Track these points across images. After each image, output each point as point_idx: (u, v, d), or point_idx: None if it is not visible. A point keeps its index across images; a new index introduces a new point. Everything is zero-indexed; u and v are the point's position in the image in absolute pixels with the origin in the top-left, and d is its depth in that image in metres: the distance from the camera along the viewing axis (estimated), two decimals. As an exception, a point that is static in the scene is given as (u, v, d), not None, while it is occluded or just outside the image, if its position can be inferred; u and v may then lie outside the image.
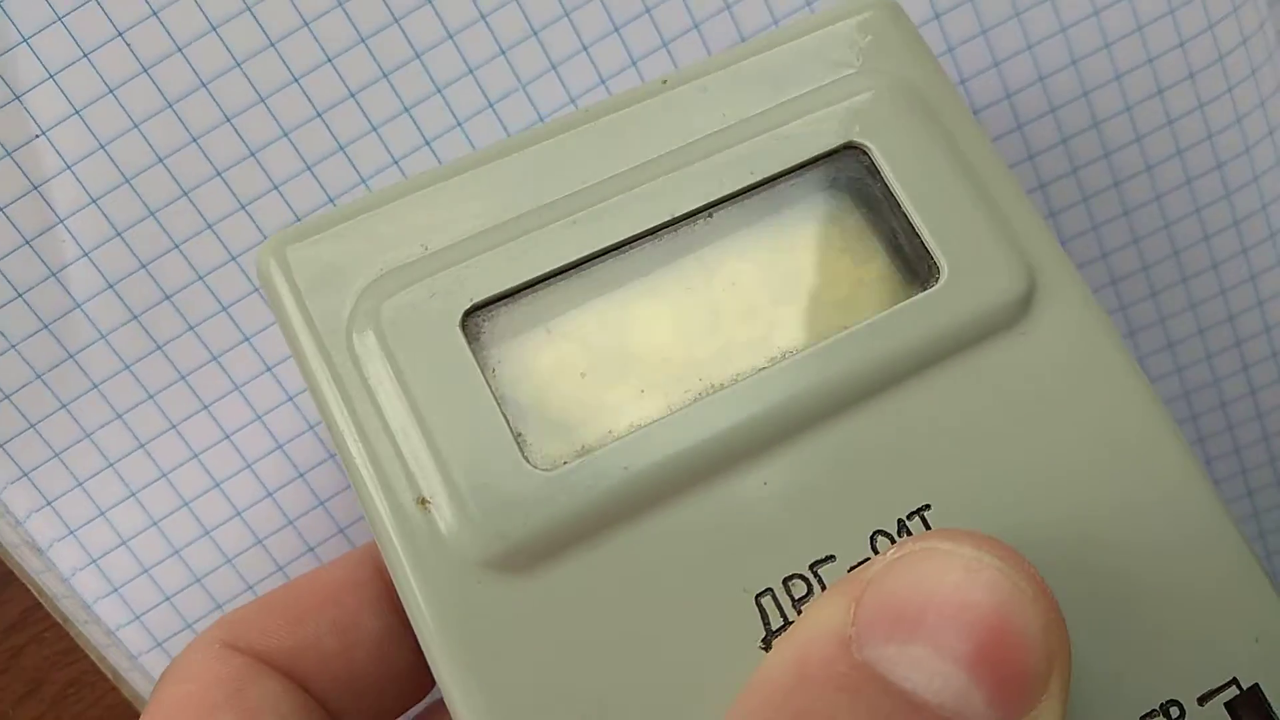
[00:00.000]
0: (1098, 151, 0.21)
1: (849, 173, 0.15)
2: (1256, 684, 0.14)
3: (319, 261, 0.14)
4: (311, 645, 0.17)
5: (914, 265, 0.15)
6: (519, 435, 0.13)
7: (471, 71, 0.19)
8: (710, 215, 0.14)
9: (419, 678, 0.18)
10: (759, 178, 0.14)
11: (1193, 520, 0.14)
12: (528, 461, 0.13)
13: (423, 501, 0.13)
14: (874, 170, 0.15)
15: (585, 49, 0.20)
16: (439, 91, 0.19)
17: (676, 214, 0.14)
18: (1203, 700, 0.14)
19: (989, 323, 0.14)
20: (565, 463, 0.13)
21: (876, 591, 0.12)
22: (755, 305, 0.14)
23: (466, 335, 0.13)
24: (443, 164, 0.15)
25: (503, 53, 0.19)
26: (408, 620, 0.17)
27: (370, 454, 0.13)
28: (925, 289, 0.14)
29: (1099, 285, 0.22)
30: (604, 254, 0.14)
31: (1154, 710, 0.14)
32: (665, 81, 0.15)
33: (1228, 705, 0.14)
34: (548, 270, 0.14)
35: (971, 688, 0.11)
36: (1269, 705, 0.14)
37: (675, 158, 0.14)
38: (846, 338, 0.14)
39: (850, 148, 0.15)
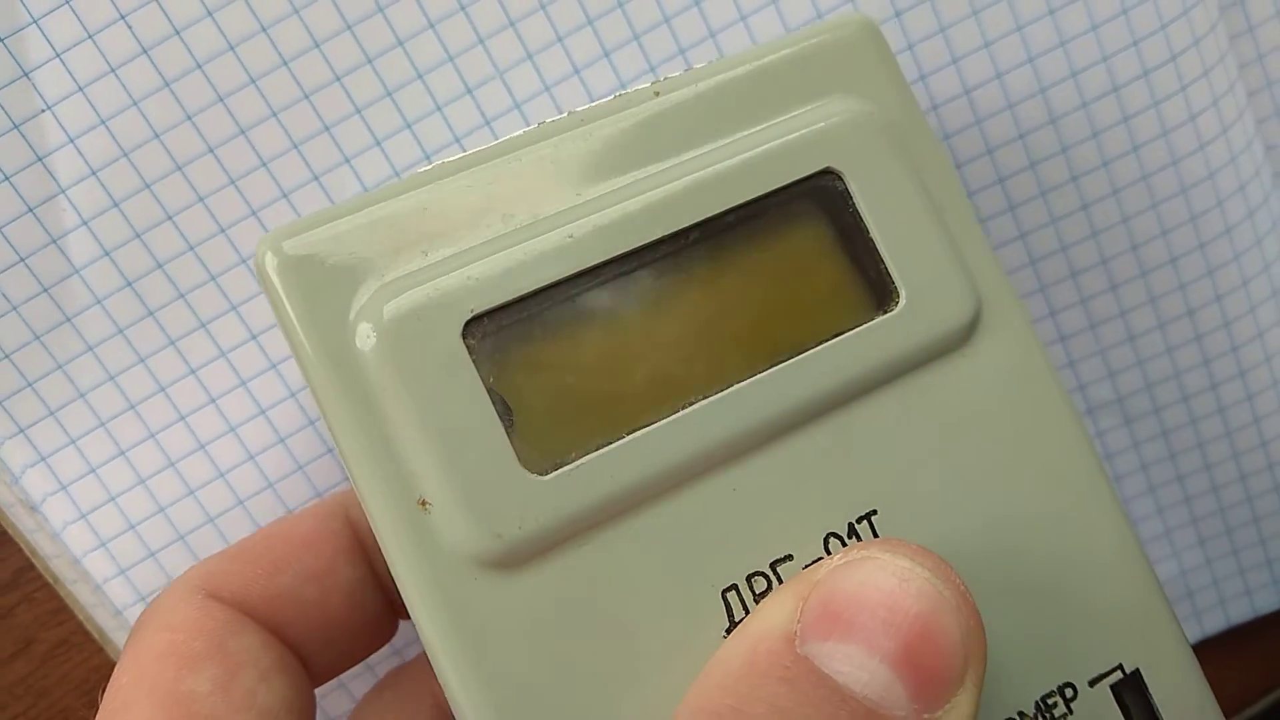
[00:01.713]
0: (1055, 148, 0.22)
1: (823, 196, 0.16)
2: (1138, 669, 0.16)
3: (320, 262, 0.14)
4: (290, 593, 0.17)
5: (875, 289, 0.16)
6: (515, 441, 0.14)
7: (452, 59, 0.20)
8: (696, 234, 0.15)
9: (387, 623, 0.18)
10: (744, 199, 0.15)
11: (1096, 526, 0.16)
12: (523, 466, 0.14)
13: (422, 503, 0.14)
14: (846, 195, 0.16)
15: (607, 54, 0.21)
16: (420, 78, 0.20)
17: (666, 232, 0.15)
18: (1093, 683, 0.16)
19: (939, 345, 0.16)
20: (558, 468, 0.14)
21: (820, 593, 0.13)
22: (733, 321, 0.15)
23: (467, 344, 0.14)
24: (434, 163, 0.15)
25: (481, 42, 0.20)
26: (379, 569, 0.18)
27: (371, 456, 0.14)
28: (885, 313, 0.15)
29: (1058, 278, 0.23)
30: (597, 269, 0.15)
31: (1052, 690, 0.16)
32: (657, 93, 0.16)
33: (1113, 687, 0.16)
34: (545, 283, 0.14)
35: (895, 682, 0.13)
36: (1146, 687, 0.16)
37: (665, 175, 0.15)
38: (810, 358, 0.15)
39: (826, 173, 0.16)
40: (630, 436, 0.14)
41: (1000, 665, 0.16)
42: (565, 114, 0.16)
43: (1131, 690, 0.16)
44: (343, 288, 0.14)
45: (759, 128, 0.16)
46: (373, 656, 0.22)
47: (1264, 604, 0.26)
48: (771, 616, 0.14)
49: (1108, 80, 0.21)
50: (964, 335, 0.16)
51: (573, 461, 0.14)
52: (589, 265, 0.14)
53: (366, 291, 0.14)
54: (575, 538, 0.14)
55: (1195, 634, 0.26)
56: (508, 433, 0.14)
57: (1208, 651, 0.26)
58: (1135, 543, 0.16)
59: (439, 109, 0.20)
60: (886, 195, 0.16)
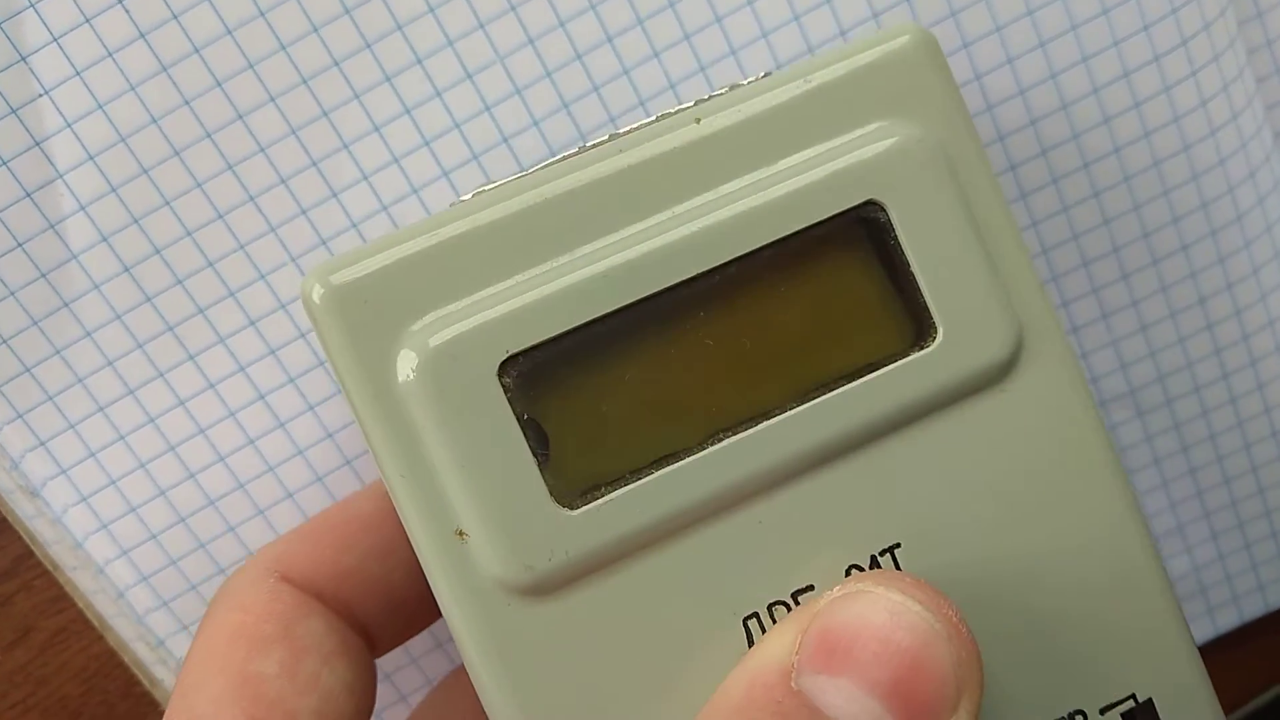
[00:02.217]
0: (1067, 133, 0.22)
1: (865, 227, 0.15)
2: (1150, 699, 0.16)
3: (365, 295, 0.14)
4: (356, 571, 0.18)
5: (914, 323, 0.15)
6: (547, 476, 0.14)
7: (451, 44, 0.20)
8: (733, 268, 0.15)
9: None
10: (783, 233, 0.15)
11: (1122, 559, 0.16)
12: (555, 501, 0.14)
13: (460, 533, 0.14)
14: (888, 226, 0.15)
15: (626, 72, 0.20)
16: (420, 63, 0.20)
17: (702, 269, 0.15)
18: (1104, 711, 0.16)
19: (976, 381, 0.15)
20: (588, 502, 0.14)
21: (815, 627, 0.14)
22: (767, 355, 0.15)
23: (503, 381, 0.14)
24: (473, 193, 0.15)
25: (481, 26, 0.20)
26: None
27: (414, 487, 0.14)
28: (921, 348, 0.15)
29: (1070, 268, 0.23)
30: (632, 306, 0.15)
31: (1063, 717, 0.16)
32: (699, 120, 0.15)
33: (1124, 715, 0.16)
34: (579, 323, 0.14)
35: (884, 714, 0.13)
36: (1158, 717, 0.16)
37: (704, 209, 0.15)
38: (844, 394, 0.15)
39: (869, 204, 0.15)
40: (660, 471, 0.15)
41: (1011, 692, 0.16)
42: (607, 138, 0.16)
43: (1143, 719, 0.16)
44: (387, 321, 0.14)
45: (802, 156, 0.15)
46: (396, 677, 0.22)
47: (1276, 599, 0.25)
48: (771, 649, 0.14)
49: (1118, 65, 0.21)
50: (1002, 371, 0.16)
51: (603, 495, 0.14)
52: (624, 304, 0.15)
53: (408, 326, 0.14)
54: (604, 568, 0.15)
55: (1208, 631, 0.25)
56: (540, 468, 0.14)
57: (1210, 648, 0.25)
58: (1160, 573, 0.16)
59: (438, 94, 0.20)
60: (930, 227, 0.15)
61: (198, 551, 0.21)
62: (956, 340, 0.15)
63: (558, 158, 0.16)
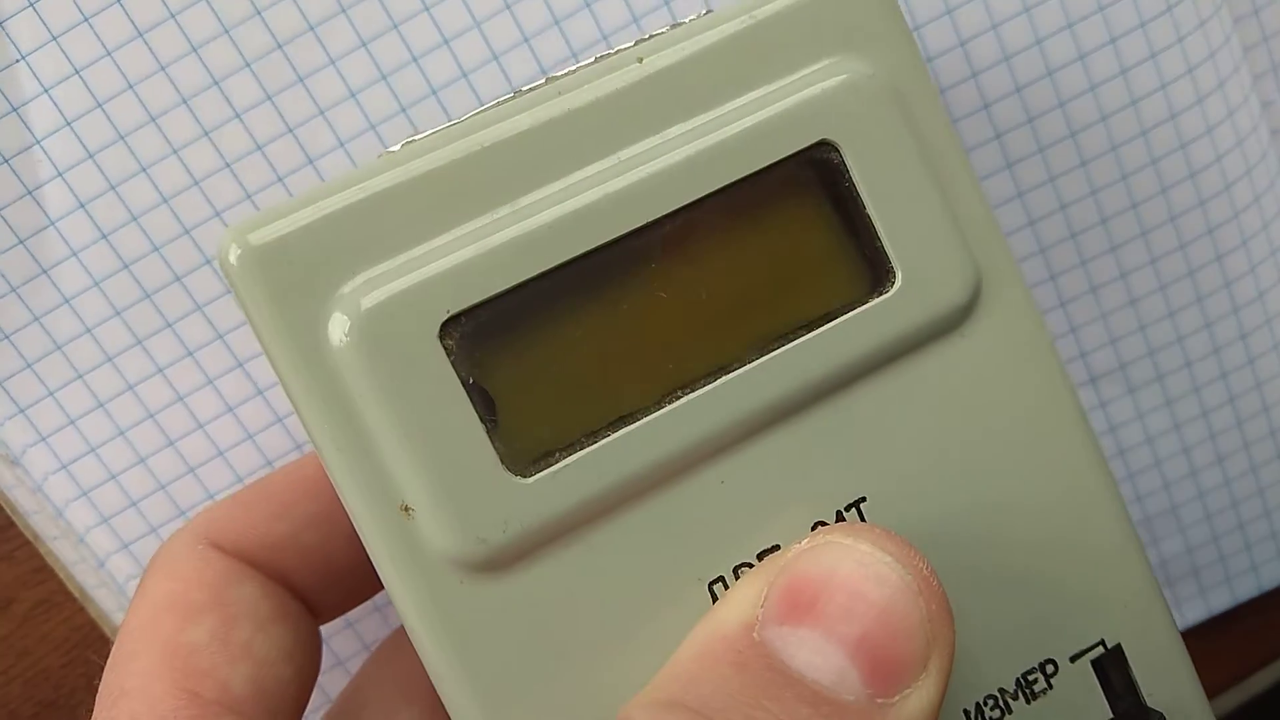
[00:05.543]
0: (1052, 101, 0.21)
1: (817, 169, 0.15)
2: (1119, 644, 0.16)
3: (289, 255, 0.13)
4: (289, 540, 0.18)
5: (871, 268, 0.15)
6: (497, 442, 0.14)
7: (427, 9, 0.20)
8: (682, 217, 0.14)
9: None
10: (733, 178, 0.14)
11: (1088, 506, 0.16)
12: (506, 468, 0.14)
13: (405, 509, 0.14)
14: (842, 168, 0.15)
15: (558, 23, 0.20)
16: (395, 28, 0.20)
17: (652, 218, 0.14)
18: (1074, 658, 0.16)
19: (936, 327, 0.15)
20: (541, 469, 0.14)
21: (782, 579, 0.14)
22: (722, 307, 0.15)
23: (445, 344, 0.13)
24: (414, 136, 0.15)
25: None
26: None
27: (351, 462, 0.13)
28: (880, 294, 0.15)
29: (1059, 239, 0.22)
30: (580, 259, 0.14)
31: (1033, 667, 0.16)
32: (640, 60, 0.15)
33: (1094, 662, 0.16)
34: (522, 279, 0.14)
35: (849, 668, 0.13)
36: (1127, 661, 0.16)
37: (648, 155, 0.14)
38: (802, 345, 0.15)
39: (821, 144, 0.15)
40: (615, 434, 0.14)
41: (981, 643, 0.15)
42: (544, 80, 0.15)
43: (1112, 665, 0.16)
44: (314, 283, 0.13)
45: (750, 96, 0.15)
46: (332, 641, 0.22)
47: (1269, 579, 0.25)
48: (734, 602, 0.14)
49: (1104, 31, 0.21)
50: (962, 315, 0.15)
51: (557, 461, 0.14)
52: (569, 258, 0.14)
53: (338, 287, 0.13)
54: (561, 537, 0.14)
55: (1201, 613, 0.25)
56: (489, 434, 0.14)
57: (1203, 630, 0.25)
58: (1126, 521, 0.16)
59: (415, 60, 0.20)
60: (885, 167, 0.15)
61: (177, 520, 0.21)
62: (916, 284, 0.15)
63: (493, 103, 0.15)
